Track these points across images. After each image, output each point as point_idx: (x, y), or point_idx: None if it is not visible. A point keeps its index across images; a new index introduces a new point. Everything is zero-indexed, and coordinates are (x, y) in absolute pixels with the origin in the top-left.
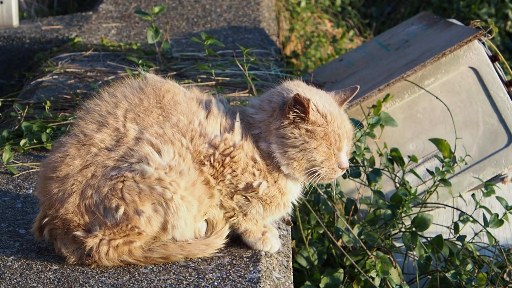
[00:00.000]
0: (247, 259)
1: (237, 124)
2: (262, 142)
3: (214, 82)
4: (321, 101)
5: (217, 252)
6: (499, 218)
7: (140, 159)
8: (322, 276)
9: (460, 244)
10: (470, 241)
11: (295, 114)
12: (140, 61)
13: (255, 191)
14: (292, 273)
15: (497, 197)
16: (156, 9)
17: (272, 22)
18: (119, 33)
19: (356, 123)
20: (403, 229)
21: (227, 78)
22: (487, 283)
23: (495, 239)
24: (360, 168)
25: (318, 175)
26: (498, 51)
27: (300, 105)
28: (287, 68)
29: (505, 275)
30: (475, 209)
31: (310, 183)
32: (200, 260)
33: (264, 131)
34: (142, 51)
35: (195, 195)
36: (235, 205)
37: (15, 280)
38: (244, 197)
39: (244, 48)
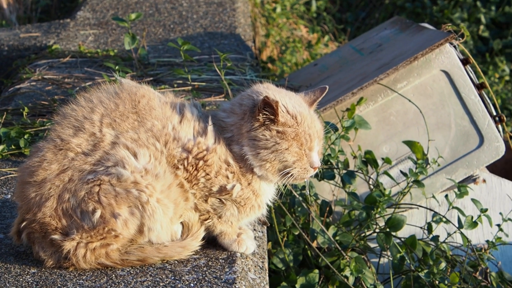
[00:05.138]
0: (223, 261)
1: (210, 128)
2: (235, 145)
3: (190, 87)
4: (290, 102)
5: (193, 254)
6: (473, 219)
7: (116, 163)
8: (298, 277)
9: (434, 244)
10: (443, 241)
11: (265, 116)
12: (117, 67)
13: (229, 194)
14: (267, 274)
15: (473, 200)
16: (133, 16)
17: (248, 28)
18: (96, 40)
19: (331, 126)
20: (377, 230)
21: (203, 83)
22: (460, 282)
23: (468, 239)
24: (335, 170)
25: (291, 175)
26: (469, 55)
27: (269, 107)
28: (263, 73)
29: (477, 274)
30: (448, 209)
31: (283, 183)
32: (176, 262)
33: (236, 134)
34: (119, 57)
35: (171, 198)
36: (209, 208)
37: None
38: (218, 200)
39: (221, 53)
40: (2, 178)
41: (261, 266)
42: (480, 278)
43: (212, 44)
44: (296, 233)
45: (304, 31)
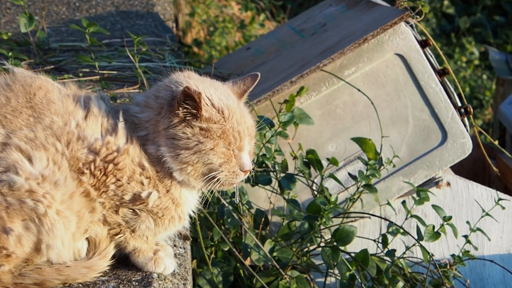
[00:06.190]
0: (137, 283)
1: (121, 125)
2: (150, 145)
3: (98, 77)
4: (216, 94)
5: (101, 276)
6: (435, 230)
7: (8, 168)
8: None
9: (389, 260)
10: (401, 256)
11: (185, 110)
12: (10, 54)
13: (144, 203)
14: None
15: (433, 206)
16: None
17: (168, 5)
18: None
19: (266, 121)
20: (322, 244)
21: (114, 72)
22: None
23: (430, 254)
24: (271, 173)
25: (217, 180)
26: (429, 35)
27: (191, 99)
28: (186, 58)
29: None
30: (406, 218)
31: (209, 190)
32: (81, 285)
33: (151, 132)
34: (14, 42)
35: (73, 209)
36: (121, 220)
37: None
38: (131, 211)
39: (135, 36)
40: None
41: None
42: None
43: (125, 25)
44: (226, 249)
45: (236, 9)
